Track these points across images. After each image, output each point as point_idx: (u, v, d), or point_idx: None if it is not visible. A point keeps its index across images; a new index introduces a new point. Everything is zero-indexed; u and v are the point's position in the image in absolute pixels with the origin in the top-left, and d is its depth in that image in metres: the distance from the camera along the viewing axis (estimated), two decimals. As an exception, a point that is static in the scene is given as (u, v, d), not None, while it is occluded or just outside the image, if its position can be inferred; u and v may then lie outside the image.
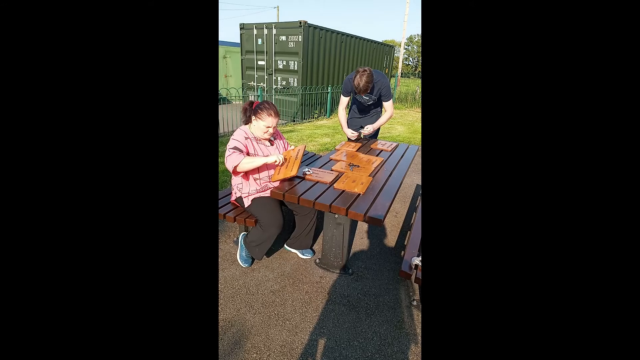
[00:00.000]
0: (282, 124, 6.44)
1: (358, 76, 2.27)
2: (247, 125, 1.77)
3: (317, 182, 1.74)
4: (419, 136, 5.72)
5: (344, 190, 1.66)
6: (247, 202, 1.77)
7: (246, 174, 1.74)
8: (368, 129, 2.63)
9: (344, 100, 2.64)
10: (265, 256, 2.00)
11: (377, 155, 2.35)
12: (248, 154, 1.69)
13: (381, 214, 1.42)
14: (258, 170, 1.75)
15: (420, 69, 46.38)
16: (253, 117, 1.70)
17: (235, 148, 1.64)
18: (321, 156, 2.91)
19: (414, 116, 8.22)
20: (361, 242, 2.27)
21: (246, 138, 1.70)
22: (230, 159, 1.60)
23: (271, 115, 1.68)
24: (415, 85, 13.24)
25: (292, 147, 1.87)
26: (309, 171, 1.83)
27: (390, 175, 1.96)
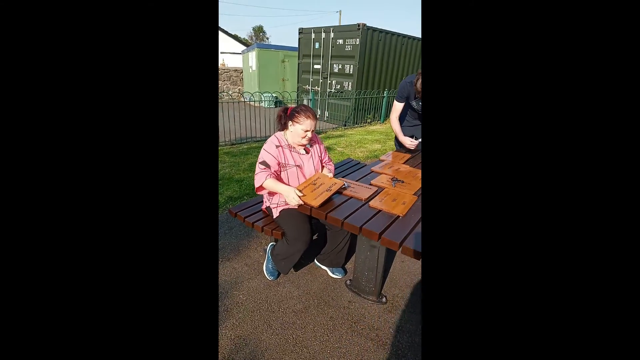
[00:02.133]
0: (333, 128, 6.35)
1: (422, 79, 2.03)
2: (281, 132, 1.68)
3: (351, 197, 1.57)
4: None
5: (380, 210, 1.46)
6: (275, 213, 1.67)
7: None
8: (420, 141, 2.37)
9: (398, 107, 2.37)
10: (293, 269, 1.88)
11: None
12: (279, 164, 1.60)
13: (417, 245, 1.19)
14: (288, 180, 1.65)
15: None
16: (290, 123, 1.60)
17: (264, 163, 1.58)
18: (365, 165, 2.72)
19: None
20: (401, 265, 2.02)
21: (278, 146, 1.62)
22: (257, 177, 1.57)
23: (309, 117, 1.57)
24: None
25: (331, 175, 1.70)
26: (344, 185, 1.66)
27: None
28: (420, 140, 2.38)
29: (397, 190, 1.67)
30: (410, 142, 2.37)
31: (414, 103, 2.34)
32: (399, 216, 1.41)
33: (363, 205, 1.50)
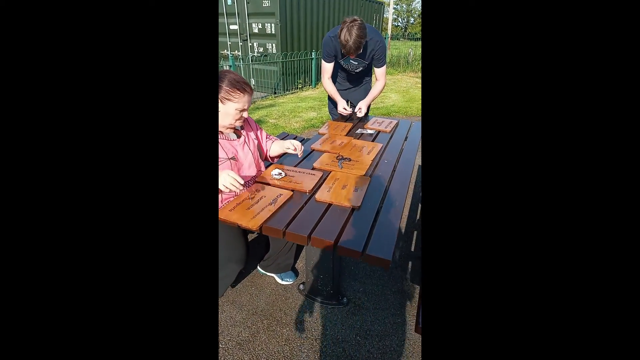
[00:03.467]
0: (262, 97, 5.74)
1: (346, 30, 1.62)
2: None
3: (293, 191, 1.21)
4: (416, 105, 5.13)
5: (330, 204, 1.13)
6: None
7: None
8: (361, 109, 2.04)
9: (328, 68, 1.99)
10: (230, 286, 1.51)
11: (373, 140, 1.81)
12: None
13: (389, 249, 0.91)
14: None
15: (409, 30, 44.39)
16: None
17: None
18: (303, 139, 2.36)
19: (408, 82, 7.54)
20: (357, 251, 1.80)
21: None
22: None
23: (246, 91, 1.11)
24: (407, 48, 12.31)
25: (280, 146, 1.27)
26: (279, 174, 1.29)
27: (394, 171, 1.44)
28: (357, 108, 2.06)
29: (346, 173, 1.36)
30: (343, 109, 2.05)
31: (343, 62, 1.99)
32: (353, 209, 1.11)
33: (309, 200, 1.16)
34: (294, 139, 2.34)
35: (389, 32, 10.90)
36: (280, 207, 1.09)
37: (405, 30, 44.81)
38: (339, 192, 1.18)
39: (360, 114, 2.06)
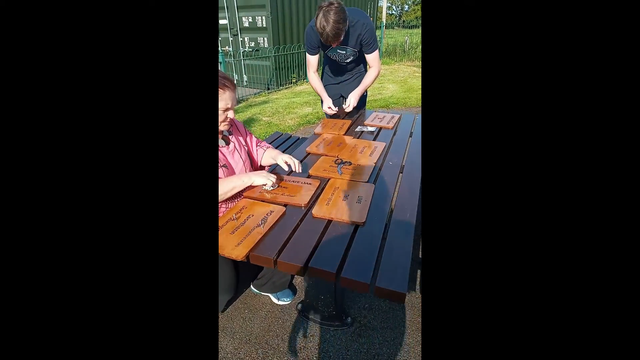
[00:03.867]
0: (255, 93, 5.53)
1: (322, 16, 1.44)
2: None
3: (286, 205, 1.04)
4: (415, 95, 4.94)
5: (330, 221, 0.97)
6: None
7: None
8: (350, 103, 1.86)
9: (313, 61, 1.82)
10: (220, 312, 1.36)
11: (374, 139, 1.64)
12: None
13: (403, 278, 0.75)
14: None
15: (404, 18, 43.78)
16: None
17: None
18: (298, 139, 2.18)
19: (405, 71, 7.33)
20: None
21: None
22: None
23: (226, 87, 0.96)
24: (402, 36, 12.02)
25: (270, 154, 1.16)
26: (270, 185, 1.12)
27: (400, 174, 1.28)
28: (344, 107, 1.89)
29: (346, 180, 1.19)
30: (328, 108, 1.88)
31: (330, 52, 1.82)
32: (358, 225, 0.95)
33: (304, 216, 1.00)
34: (287, 139, 2.18)
35: (384, 20, 10.60)
36: (271, 227, 0.93)
37: (399, 18, 44.19)
38: (340, 205, 1.02)
39: (348, 109, 1.88)
